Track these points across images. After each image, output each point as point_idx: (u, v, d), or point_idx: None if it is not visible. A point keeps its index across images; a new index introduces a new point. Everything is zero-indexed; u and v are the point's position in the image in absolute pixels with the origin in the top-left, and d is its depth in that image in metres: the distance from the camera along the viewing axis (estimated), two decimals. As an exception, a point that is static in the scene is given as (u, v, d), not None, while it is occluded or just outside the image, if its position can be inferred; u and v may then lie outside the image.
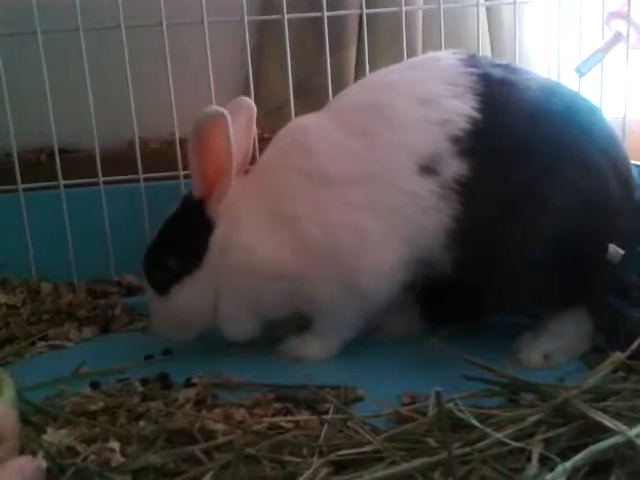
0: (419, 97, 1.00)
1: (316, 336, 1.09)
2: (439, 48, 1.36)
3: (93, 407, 0.90)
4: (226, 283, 1.05)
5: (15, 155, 1.33)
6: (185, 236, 1.05)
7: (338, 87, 1.27)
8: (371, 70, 1.35)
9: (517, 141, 0.97)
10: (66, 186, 1.36)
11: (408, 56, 1.35)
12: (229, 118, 0.99)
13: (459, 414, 0.74)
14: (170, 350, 1.14)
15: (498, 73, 1.01)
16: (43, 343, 1.19)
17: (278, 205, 1.03)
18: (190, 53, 1.36)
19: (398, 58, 1.39)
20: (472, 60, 1.03)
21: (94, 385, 1.01)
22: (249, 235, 1.03)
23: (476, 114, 0.97)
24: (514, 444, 0.67)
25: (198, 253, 1.04)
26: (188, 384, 1.00)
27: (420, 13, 1.49)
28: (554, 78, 1.36)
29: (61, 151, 1.36)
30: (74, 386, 0.99)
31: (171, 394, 0.95)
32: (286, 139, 1.08)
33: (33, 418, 0.86)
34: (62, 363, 1.11)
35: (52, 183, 1.35)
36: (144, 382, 1.01)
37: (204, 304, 1.06)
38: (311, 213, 1.01)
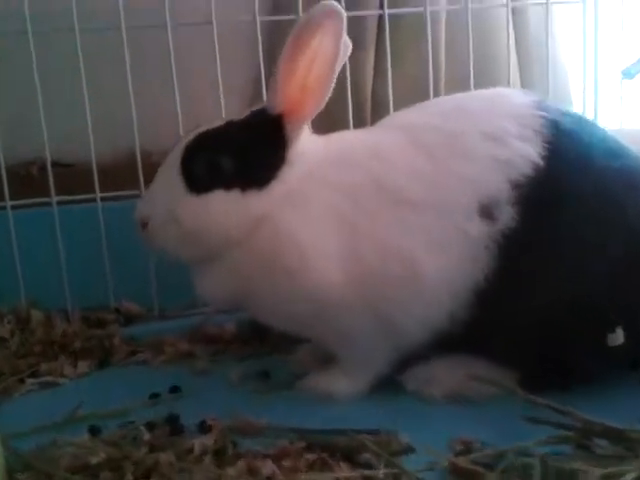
0: (487, 131, 0.91)
1: (344, 371, 0.98)
2: (462, 51, 1.28)
3: (94, 460, 0.78)
4: (257, 252, 0.91)
5: (2, 167, 1.24)
6: (254, 147, 0.92)
7: (355, 90, 1.20)
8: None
9: (575, 200, 0.88)
10: (59, 202, 1.27)
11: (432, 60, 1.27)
12: (344, 18, 0.86)
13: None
14: (178, 387, 1.03)
15: (567, 123, 0.93)
16: (33, 380, 1.08)
17: (345, 206, 0.91)
18: (195, 57, 1.29)
19: (419, 61, 1.34)
20: (542, 104, 0.95)
21: (93, 431, 0.89)
22: (307, 228, 0.90)
23: (540, 161, 0.88)
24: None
25: (261, 172, 0.92)
26: (202, 428, 0.88)
27: (443, 14, 1.40)
28: (590, 84, 1.27)
29: (54, 164, 1.27)
30: (70, 432, 0.88)
31: (183, 441, 0.83)
32: (367, 145, 0.96)
33: (21, 476, 0.74)
34: (55, 403, 1.01)
35: (44, 199, 1.26)
36: (151, 426, 0.89)
37: (233, 227, 0.91)
38: (370, 229, 0.90)
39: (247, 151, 0.92)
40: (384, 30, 1.29)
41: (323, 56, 0.89)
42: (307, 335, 1.01)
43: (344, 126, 1.24)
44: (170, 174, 0.94)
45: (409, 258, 0.89)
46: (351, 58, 1.22)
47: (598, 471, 0.62)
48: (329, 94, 0.91)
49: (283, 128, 0.92)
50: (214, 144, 0.93)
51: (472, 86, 1.27)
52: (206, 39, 1.23)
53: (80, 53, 1.20)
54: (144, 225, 0.94)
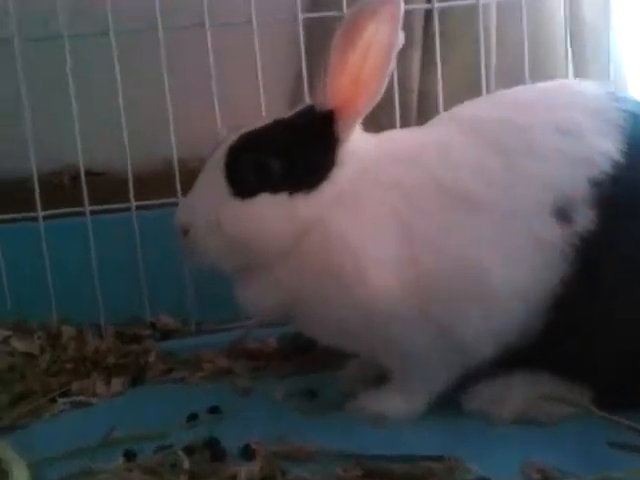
0: (561, 125, 0.84)
1: (399, 389, 0.90)
2: (514, 43, 1.22)
3: (129, 490, 0.71)
4: (305, 258, 0.86)
5: (35, 177, 1.21)
6: (303, 146, 0.87)
7: (402, 88, 1.15)
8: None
9: None
10: (92, 212, 1.24)
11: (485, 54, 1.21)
12: (401, 3, 0.81)
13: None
14: (218, 407, 0.96)
15: None
16: (65, 399, 1.04)
17: (403, 208, 0.85)
18: (233, 59, 1.23)
19: (469, 55, 1.28)
20: (618, 95, 0.89)
21: (129, 455, 0.83)
22: (360, 231, 0.84)
23: (620, 158, 0.81)
24: None
25: (311, 173, 0.86)
26: (246, 453, 0.81)
27: (494, 6, 1.33)
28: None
29: (86, 173, 1.23)
30: (103, 456, 0.83)
31: (226, 468, 0.77)
32: (425, 142, 0.90)
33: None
34: (88, 425, 0.96)
35: (76, 209, 1.23)
36: (190, 451, 0.82)
37: (281, 233, 0.86)
38: (429, 233, 0.83)
39: (295, 152, 0.87)
40: (431, 25, 1.24)
41: (378, 45, 0.83)
42: (359, 349, 0.94)
43: (390, 127, 1.17)
44: (213, 178, 0.88)
45: (474, 266, 0.82)
46: (397, 55, 1.18)
47: None
48: (384, 87, 0.85)
49: (333, 126, 0.87)
50: (260, 145, 0.88)
51: (527, 79, 1.20)
52: (245, 40, 1.19)
53: (115, 56, 1.17)
54: (185, 233, 0.89)
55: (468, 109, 0.93)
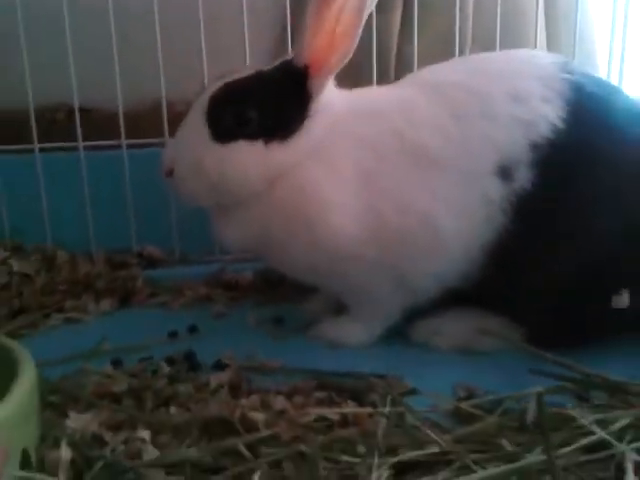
0: (512, 91, 0.91)
1: (355, 320, 1.01)
2: (491, 13, 1.27)
3: (117, 388, 0.82)
4: (278, 205, 0.93)
5: (31, 111, 1.24)
6: (279, 99, 0.93)
7: (380, 49, 1.19)
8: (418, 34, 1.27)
9: (592, 164, 0.88)
10: (85, 148, 1.28)
11: (460, 19, 1.26)
12: None
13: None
14: (196, 327, 1.06)
15: (591, 86, 0.92)
16: (59, 315, 1.12)
17: (367, 160, 0.92)
18: (223, 9, 1.29)
19: (446, 19, 1.32)
20: (568, 66, 0.94)
21: (116, 363, 0.93)
22: (328, 180, 0.92)
23: (560, 124, 0.88)
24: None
25: (286, 124, 0.93)
26: (218, 366, 0.92)
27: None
28: (617, 48, 1.26)
29: (80, 110, 1.27)
30: (94, 364, 0.91)
31: (200, 377, 0.87)
32: (392, 100, 0.97)
33: (52, 398, 0.78)
34: (80, 338, 1.05)
35: (70, 144, 1.27)
36: (170, 362, 0.93)
37: (256, 177, 0.92)
38: (390, 184, 0.91)
39: (271, 103, 0.93)
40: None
41: (350, 7, 0.88)
42: (321, 284, 1.03)
43: (368, 85, 1.23)
44: (196, 124, 0.94)
45: (428, 216, 0.90)
46: (377, 18, 1.22)
47: (592, 417, 0.66)
48: (354, 47, 0.90)
49: (307, 81, 0.92)
50: (239, 96, 0.93)
51: (498, 45, 1.26)
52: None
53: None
54: (170, 173, 0.96)
55: (432, 72, 0.99)
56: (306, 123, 0.93)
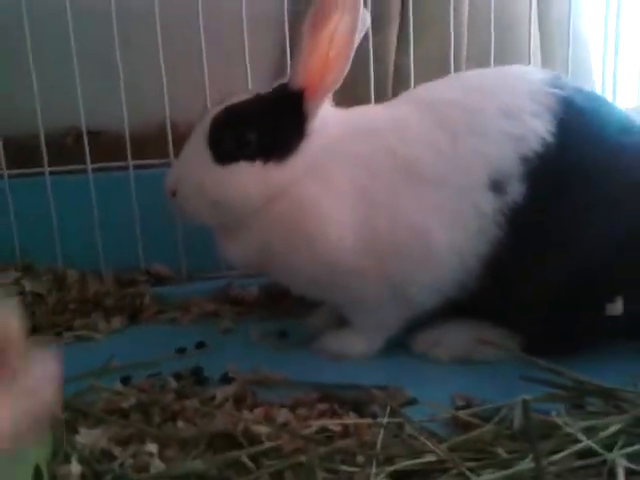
0: (504, 108, 0.93)
1: (356, 333, 1.03)
2: (484, 24, 1.30)
3: (125, 404, 0.85)
4: (277, 221, 0.96)
5: (42, 135, 1.28)
6: (277, 121, 0.96)
7: (378, 65, 1.20)
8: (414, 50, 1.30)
9: (582, 177, 0.90)
10: (94, 170, 1.31)
11: (455, 36, 1.29)
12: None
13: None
14: (204, 343, 1.09)
15: (581, 100, 0.94)
16: (69, 334, 1.14)
17: (362, 177, 0.95)
18: (222, 32, 1.32)
19: (442, 36, 1.35)
20: (558, 81, 0.97)
21: (125, 380, 0.96)
22: (324, 197, 0.94)
23: (549, 138, 0.91)
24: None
25: (283, 144, 0.96)
26: (225, 379, 0.94)
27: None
28: (610, 60, 1.29)
29: (88, 133, 1.30)
30: (103, 381, 0.94)
31: (207, 391, 0.90)
32: (386, 119, 0.99)
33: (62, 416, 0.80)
34: (90, 355, 1.07)
35: (79, 166, 1.31)
36: (177, 377, 0.96)
37: (256, 196, 0.95)
38: (384, 199, 0.94)
39: (269, 125, 0.96)
40: (407, 6, 1.31)
41: (342, 32, 0.91)
42: (323, 298, 1.06)
43: (366, 102, 1.27)
44: (198, 146, 0.97)
45: (421, 230, 0.92)
46: (374, 34, 1.25)
47: (582, 423, 0.68)
48: (347, 68, 0.93)
49: (304, 103, 0.95)
50: (239, 119, 0.96)
51: (492, 62, 1.28)
52: (234, 15, 1.27)
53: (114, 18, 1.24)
54: (173, 194, 0.99)
55: (427, 90, 1.02)
56: (303, 143, 0.96)
